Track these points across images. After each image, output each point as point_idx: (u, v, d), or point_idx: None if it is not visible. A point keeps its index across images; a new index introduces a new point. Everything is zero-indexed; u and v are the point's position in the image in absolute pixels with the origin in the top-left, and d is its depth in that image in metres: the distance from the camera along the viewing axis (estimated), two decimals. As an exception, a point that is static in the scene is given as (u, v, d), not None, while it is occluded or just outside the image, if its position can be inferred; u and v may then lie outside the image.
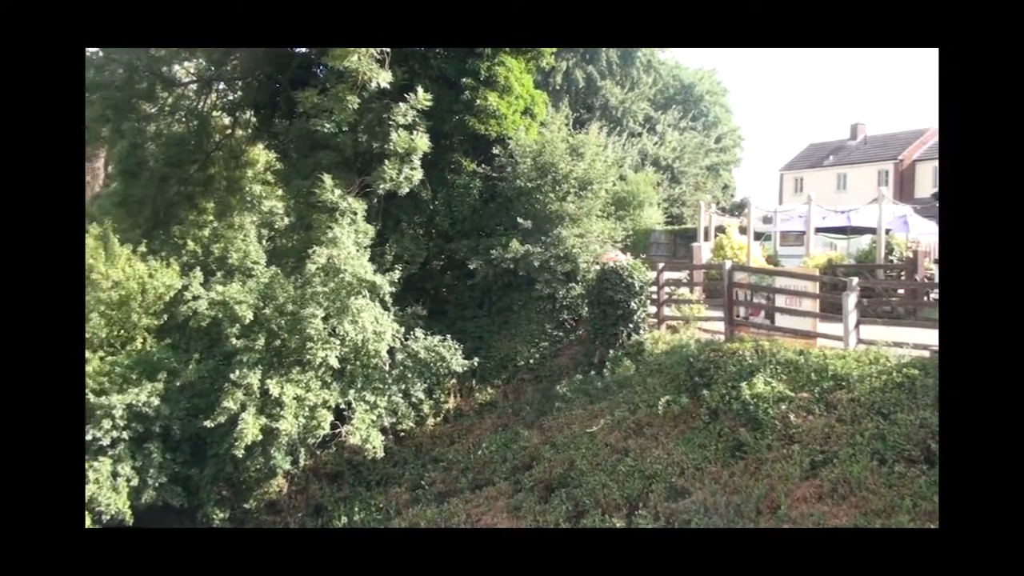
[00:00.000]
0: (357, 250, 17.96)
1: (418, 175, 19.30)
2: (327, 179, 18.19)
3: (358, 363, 17.97)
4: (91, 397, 15.79)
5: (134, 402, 16.00)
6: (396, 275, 19.01)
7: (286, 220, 22.76)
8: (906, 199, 43.53)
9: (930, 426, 10.63)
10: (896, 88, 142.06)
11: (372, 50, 17.87)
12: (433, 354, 18.81)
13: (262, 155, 25.33)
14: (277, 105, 22.57)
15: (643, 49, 52.72)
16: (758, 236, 25.93)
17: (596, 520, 12.95)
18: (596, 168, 21.32)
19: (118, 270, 17.86)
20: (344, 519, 17.29)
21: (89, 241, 18.65)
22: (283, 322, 17.32)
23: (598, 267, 18.99)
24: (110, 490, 15.44)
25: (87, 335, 16.97)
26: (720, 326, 16.57)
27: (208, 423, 16.05)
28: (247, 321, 16.93)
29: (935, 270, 18.14)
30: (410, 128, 19.07)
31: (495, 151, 21.14)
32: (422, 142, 19.02)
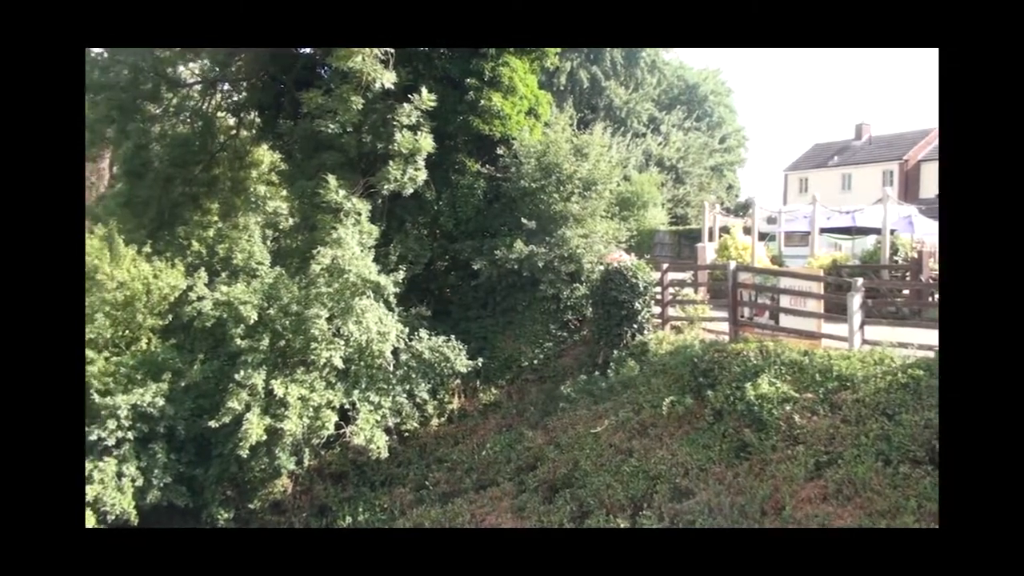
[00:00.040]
0: (361, 250, 17.97)
1: (422, 175, 19.31)
2: (331, 180, 18.19)
3: (362, 363, 17.97)
4: (96, 397, 15.83)
5: (139, 402, 16.04)
6: (400, 275, 19.01)
7: (290, 221, 22.81)
8: (911, 199, 43.50)
9: (935, 427, 10.61)
10: (901, 88, 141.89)
11: (376, 51, 17.88)
12: (437, 354, 18.82)
13: (266, 156, 25.39)
14: (281, 106, 22.61)
15: (647, 49, 52.73)
16: (762, 236, 25.93)
17: (600, 520, 12.94)
18: (600, 168, 21.31)
19: (123, 271, 17.91)
20: (348, 519, 17.30)
21: (94, 242, 18.72)
22: (287, 322, 17.33)
23: (602, 267, 18.97)
24: (115, 490, 15.48)
25: (92, 335, 17.03)
26: (724, 326, 16.55)
27: (213, 423, 16.07)
28: (251, 321, 16.94)
29: (940, 270, 18.09)
30: (414, 128, 19.08)
31: (499, 151, 21.16)
32: (426, 142, 19.03)
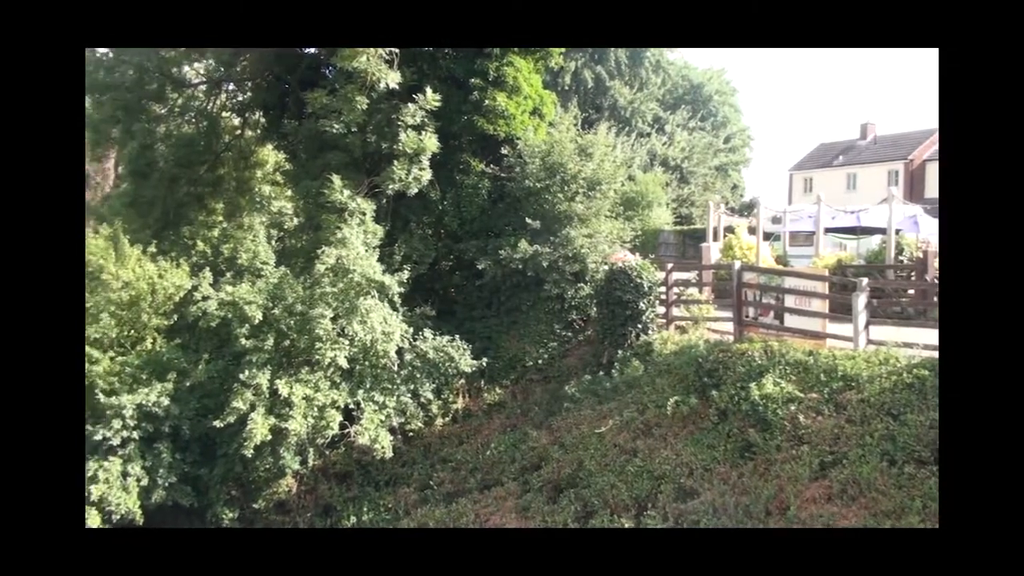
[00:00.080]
0: (366, 250, 17.99)
1: (427, 175, 19.30)
2: (336, 180, 18.20)
3: (367, 363, 17.99)
4: (101, 397, 15.87)
5: (144, 402, 16.08)
6: (405, 275, 19.02)
7: (295, 221, 22.79)
8: (916, 199, 43.37)
9: (940, 427, 10.59)
10: (906, 88, 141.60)
11: (381, 51, 17.88)
12: (442, 354, 18.84)
13: (271, 156, 25.39)
14: (286, 106, 22.63)
15: (651, 49, 52.66)
16: (767, 236, 25.88)
17: (605, 520, 12.95)
18: (605, 168, 21.31)
19: (128, 271, 17.94)
20: (353, 519, 17.32)
21: (99, 242, 18.76)
22: (292, 322, 17.35)
23: (607, 267, 18.96)
24: (120, 490, 15.50)
25: (97, 335, 17.06)
26: (729, 326, 16.53)
27: (218, 423, 16.10)
28: (256, 321, 16.96)
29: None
30: (419, 128, 19.07)
31: (504, 151, 21.16)
32: (431, 142, 19.02)
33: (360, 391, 17.73)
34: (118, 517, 15.40)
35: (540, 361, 19.96)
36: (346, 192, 18.28)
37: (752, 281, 16.46)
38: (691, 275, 21.59)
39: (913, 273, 19.39)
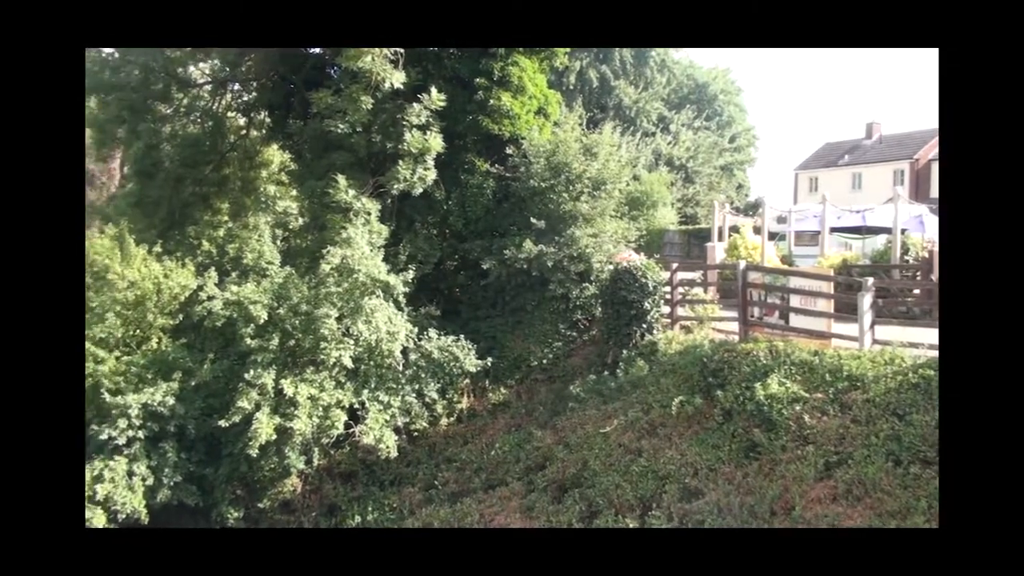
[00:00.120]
0: (371, 250, 18.00)
1: (432, 175, 19.31)
2: (341, 179, 18.23)
3: (372, 363, 18.01)
4: (107, 397, 15.90)
5: (149, 401, 16.10)
6: (410, 275, 19.05)
7: (300, 220, 22.85)
8: (922, 199, 43.23)
9: (946, 427, 10.56)
10: (912, 87, 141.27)
11: (386, 50, 17.89)
12: (446, 354, 18.84)
13: (276, 156, 25.45)
14: (291, 106, 22.66)
15: (657, 49, 52.63)
16: (772, 236, 25.84)
17: (609, 520, 12.94)
18: (610, 168, 21.28)
19: (134, 270, 17.97)
20: (358, 519, 17.33)
21: (105, 241, 18.80)
22: (297, 322, 17.37)
23: (612, 267, 18.96)
24: (126, 489, 15.54)
25: (103, 335, 17.09)
26: (734, 326, 16.52)
27: (223, 423, 16.13)
28: (261, 321, 17.00)
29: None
30: (424, 128, 19.08)
31: (509, 151, 21.14)
32: (436, 142, 19.03)
33: (365, 391, 17.74)
34: (123, 516, 15.43)
35: (545, 361, 19.95)
36: (351, 192, 18.31)
37: (757, 281, 16.42)
38: (696, 275, 21.57)
39: (919, 273, 19.33)
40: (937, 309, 16.50)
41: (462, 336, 19.36)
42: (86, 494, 15.03)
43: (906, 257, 20.35)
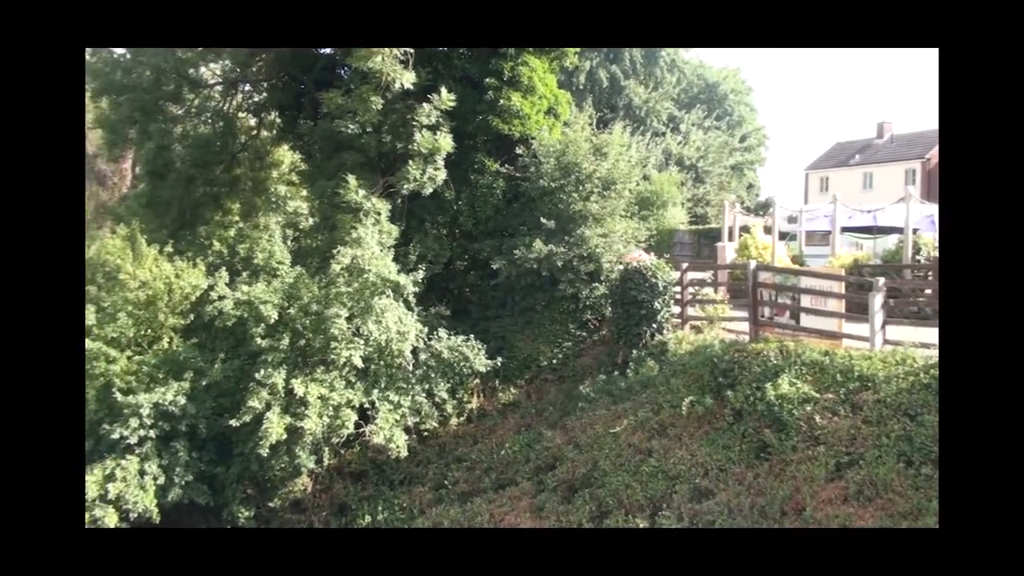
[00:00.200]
0: (381, 250, 18.02)
1: (442, 175, 19.31)
2: (351, 180, 18.25)
3: (382, 363, 18.04)
4: (119, 396, 16.01)
5: (161, 401, 16.18)
6: (420, 275, 19.07)
7: (311, 220, 22.88)
8: (933, 198, 42.81)
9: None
10: (923, 86, 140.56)
11: (396, 51, 17.90)
12: (456, 354, 18.86)
13: (287, 156, 25.50)
14: (302, 106, 22.73)
15: (667, 48, 52.53)
16: (783, 236, 25.77)
17: (619, 520, 12.93)
18: (620, 168, 21.27)
19: (145, 270, 18.05)
20: (368, 518, 17.37)
21: (116, 242, 18.89)
22: (308, 322, 17.42)
23: (621, 267, 18.91)
24: (137, 488, 15.63)
25: (115, 335, 17.17)
26: (744, 326, 16.48)
27: (233, 422, 16.20)
28: (272, 321, 17.06)
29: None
30: (434, 128, 19.08)
31: (518, 151, 21.16)
32: (446, 142, 19.03)
33: (375, 390, 17.78)
34: (135, 515, 15.52)
35: (555, 361, 19.95)
36: (361, 192, 18.32)
37: (768, 281, 16.38)
38: (706, 275, 21.53)
39: (930, 273, 19.23)
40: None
41: (472, 336, 19.37)
42: (98, 493, 15.17)
43: (918, 257, 20.26)
